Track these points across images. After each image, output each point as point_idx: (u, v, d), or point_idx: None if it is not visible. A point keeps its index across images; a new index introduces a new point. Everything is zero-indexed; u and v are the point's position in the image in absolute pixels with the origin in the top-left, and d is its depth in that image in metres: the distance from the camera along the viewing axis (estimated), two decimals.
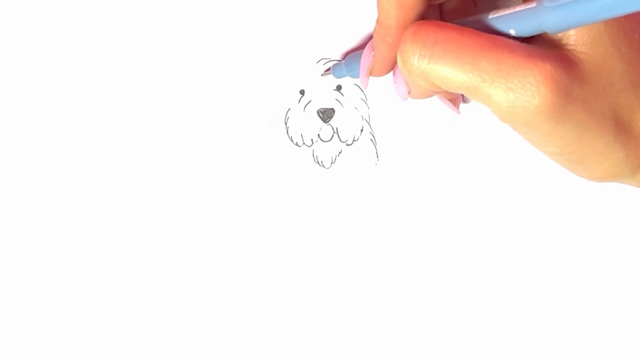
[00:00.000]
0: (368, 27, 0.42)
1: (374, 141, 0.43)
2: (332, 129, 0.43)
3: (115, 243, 0.42)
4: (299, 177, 0.43)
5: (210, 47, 0.42)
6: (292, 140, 0.43)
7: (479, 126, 0.43)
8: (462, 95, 0.39)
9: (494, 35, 0.28)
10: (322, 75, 0.42)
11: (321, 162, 0.43)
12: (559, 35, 0.28)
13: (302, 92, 0.43)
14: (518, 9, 0.28)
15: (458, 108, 0.39)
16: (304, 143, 0.43)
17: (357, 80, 0.43)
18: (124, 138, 0.42)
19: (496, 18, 0.29)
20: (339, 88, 0.43)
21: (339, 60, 0.42)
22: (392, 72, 0.35)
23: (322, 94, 0.43)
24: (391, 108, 0.43)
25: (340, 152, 0.43)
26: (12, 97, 0.41)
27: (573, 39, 0.28)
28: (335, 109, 0.43)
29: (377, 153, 0.43)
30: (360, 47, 0.41)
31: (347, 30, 0.42)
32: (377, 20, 0.32)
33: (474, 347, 0.44)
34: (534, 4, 0.28)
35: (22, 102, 0.41)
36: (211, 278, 0.43)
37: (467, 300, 0.44)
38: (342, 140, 0.43)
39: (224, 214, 0.43)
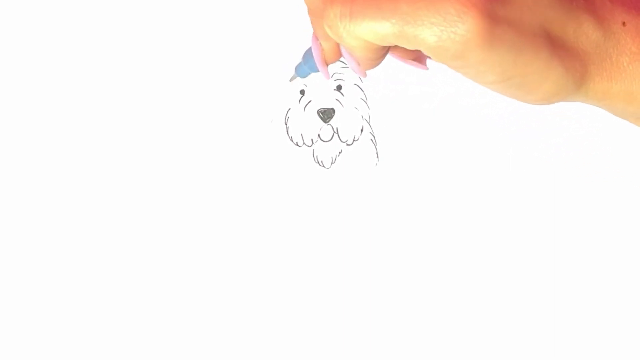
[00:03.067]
0: None
1: (374, 141, 0.43)
2: (332, 129, 0.43)
3: (115, 243, 0.42)
4: (299, 177, 0.43)
5: (210, 48, 0.42)
6: (292, 140, 0.43)
7: (479, 126, 0.43)
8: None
9: None
10: (290, 81, 0.42)
11: (321, 162, 0.43)
12: None
13: (302, 92, 0.43)
14: None
15: (425, 64, 0.38)
16: (304, 143, 0.43)
17: (358, 80, 0.43)
18: (124, 138, 0.42)
19: None
20: (339, 88, 0.43)
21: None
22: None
23: (322, 94, 0.43)
24: (391, 108, 0.43)
25: (340, 152, 0.43)
26: (12, 97, 0.41)
27: None
28: (335, 109, 0.43)
29: (377, 153, 0.43)
30: None
31: None
32: (308, 10, 0.32)
33: (474, 346, 0.44)
34: None
35: (22, 102, 0.41)
36: (211, 277, 0.43)
37: (466, 298, 0.44)
38: (342, 140, 0.43)
39: (224, 214, 0.43)
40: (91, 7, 0.41)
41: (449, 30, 0.26)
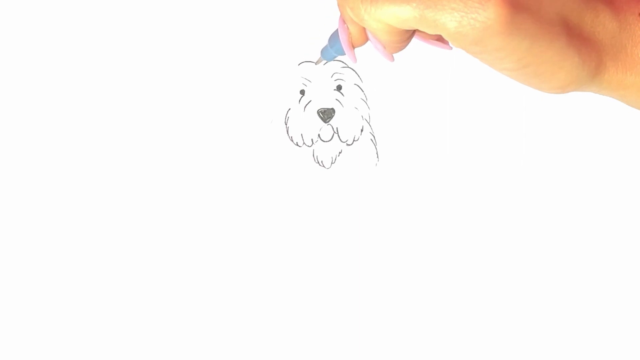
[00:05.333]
0: None
1: (374, 141, 0.43)
2: (332, 129, 0.43)
3: (114, 243, 0.42)
4: (299, 177, 0.43)
5: (210, 48, 0.42)
6: (292, 140, 0.43)
7: (479, 126, 0.43)
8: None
9: None
10: (315, 64, 0.42)
11: (321, 162, 0.43)
12: None
13: (302, 92, 0.43)
14: None
15: (448, 44, 0.38)
16: (304, 143, 0.43)
17: (358, 80, 0.43)
18: (124, 138, 0.42)
19: None
20: (339, 88, 0.43)
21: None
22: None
23: (322, 94, 0.43)
24: (391, 108, 0.43)
25: (340, 152, 0.43)
26: (12, 97, 0.41)
27: None
28: (335, 109, 0.43)
29: (377, 153, 0.43)
30: None
31: None
32: None
33: (474, 346, 0.44)
34: None
35: (22, 102, 0.41)
36: (211, 277, 0.43)
37: (468, 298, 0.44)
38: (342, 140, 0.43)
39: (224, 214, 0.43)
40: (90, 6, 0.41)
41: (469, 17, 0.26)
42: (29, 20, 0.41)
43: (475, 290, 0.44)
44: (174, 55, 0.42)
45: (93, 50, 0.41)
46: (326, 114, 0.43)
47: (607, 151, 0.44)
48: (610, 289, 0.45)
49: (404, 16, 0.27)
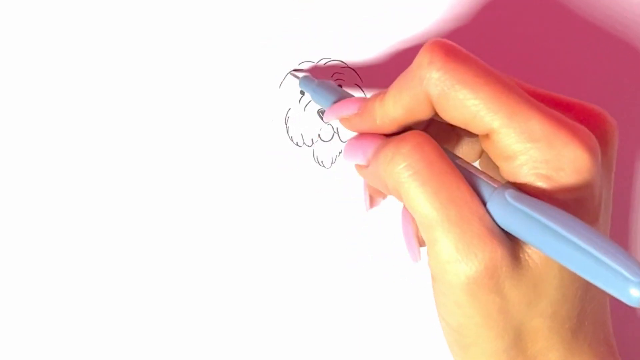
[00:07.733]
0: (368, 28, 0.42)
1: None
2: (333, 128, 0.43)
3: (114, 243, 0.42)
4: (299, 177, 0.43)
5: (210, 48, 0.42)
6: (292, 140, 0.43)
7: None
8: None
9: (476, 198, 0.29)
10: (295, 75, 0.42)
11: (321, 162, 0.43)
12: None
13: (302, 92, 0.43)
14: (485, 179, 0.30)
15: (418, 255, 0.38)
16: (304, 143, 0.43)
17: (358, 80, 0.43)
18: (124, 138, 0.42)
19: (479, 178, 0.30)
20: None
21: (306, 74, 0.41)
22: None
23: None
24: None
25: (340, 152, 0.43)
26: (12, 97, 0.41)
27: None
28: None
29: None
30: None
31: (347, 30, 0.42)
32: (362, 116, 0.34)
33: None
34: (496, 186, 0.29)
35: (22, 102, 0.41)
36: (211, 278, 0.43)
37: None
38: (342, 140, 0.43)
39: (224, 214, 0.43)
40: (90, 6, 0.41)
41: (461, 263, 0.29)
42: (29, 20, 0.41)
43: None
44: (173, 55, 0.42)
45: (92, 50, 0.41)
46: None
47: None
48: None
49: (421, 210, 0.29)
